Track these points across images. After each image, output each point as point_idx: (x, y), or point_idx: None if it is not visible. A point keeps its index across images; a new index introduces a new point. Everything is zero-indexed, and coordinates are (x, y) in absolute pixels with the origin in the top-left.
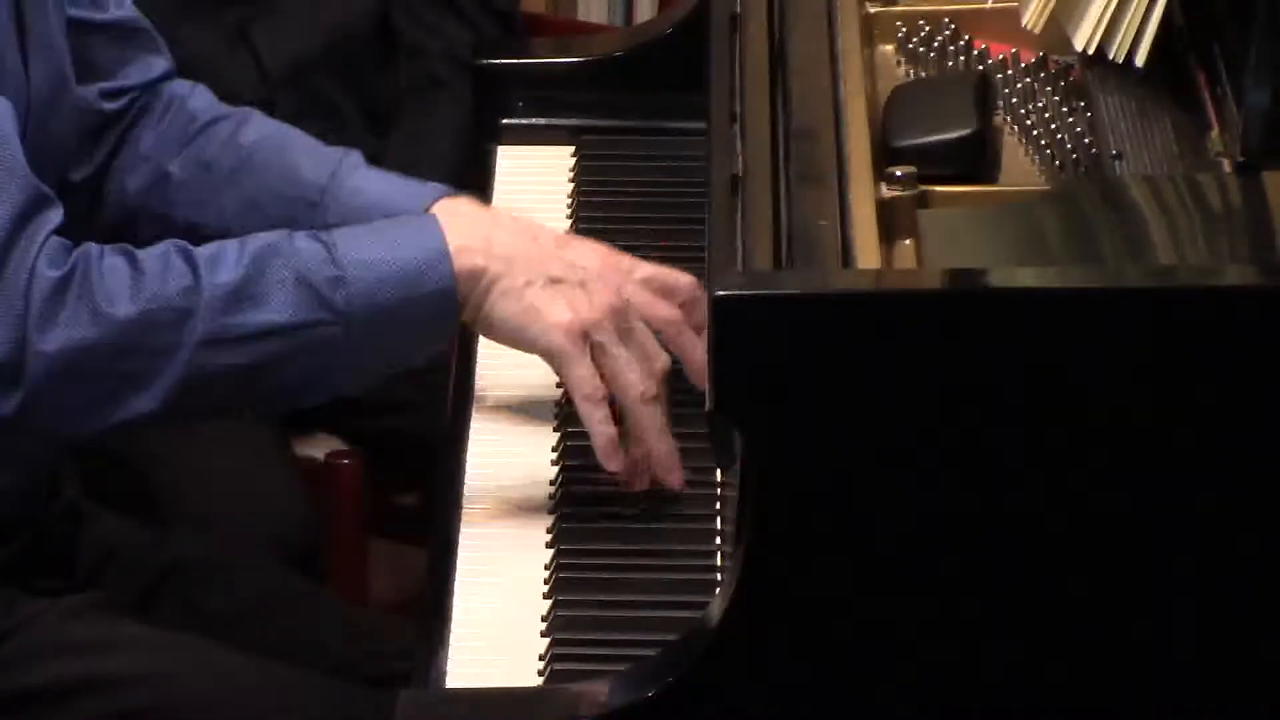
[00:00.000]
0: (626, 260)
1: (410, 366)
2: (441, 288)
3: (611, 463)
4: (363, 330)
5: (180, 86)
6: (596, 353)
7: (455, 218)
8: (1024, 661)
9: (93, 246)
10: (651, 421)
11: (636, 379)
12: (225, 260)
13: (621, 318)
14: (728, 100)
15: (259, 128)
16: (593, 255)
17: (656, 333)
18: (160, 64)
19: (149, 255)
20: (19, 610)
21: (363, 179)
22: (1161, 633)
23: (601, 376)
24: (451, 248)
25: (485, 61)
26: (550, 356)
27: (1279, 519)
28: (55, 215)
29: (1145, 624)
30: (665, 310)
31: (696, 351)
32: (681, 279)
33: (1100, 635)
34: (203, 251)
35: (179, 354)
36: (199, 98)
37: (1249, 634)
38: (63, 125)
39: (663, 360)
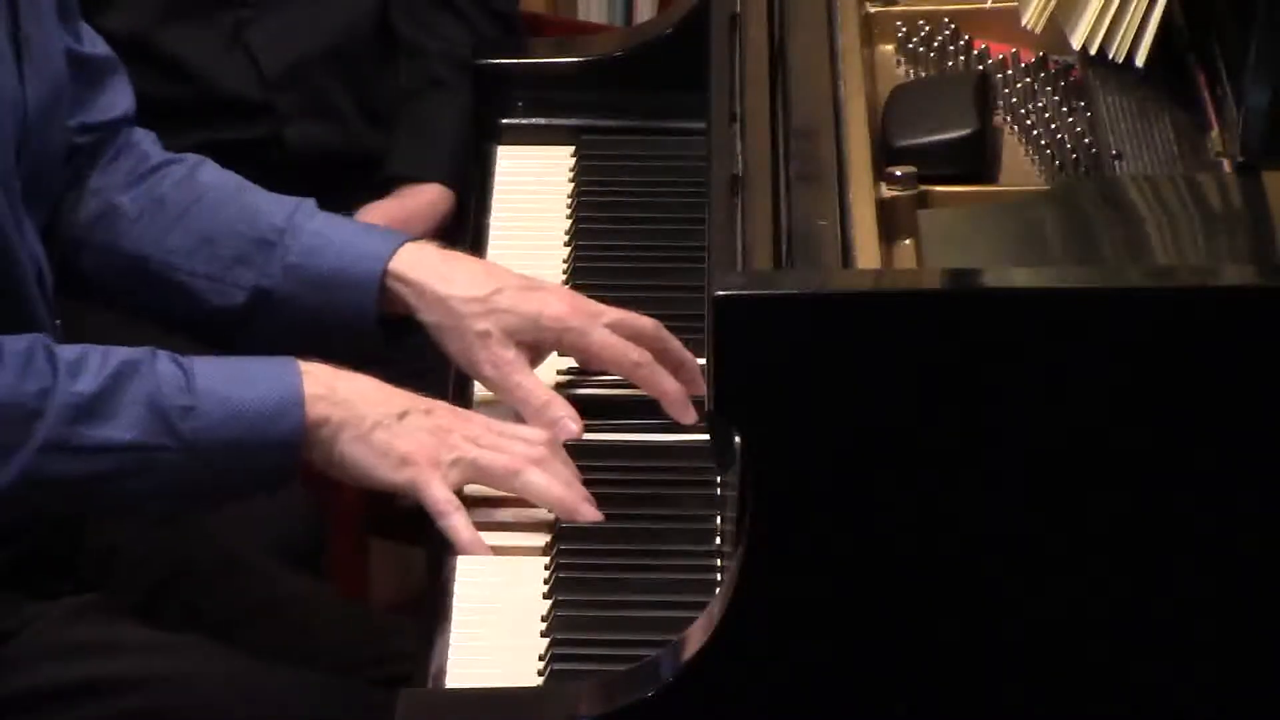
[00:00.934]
0: (594, 305)
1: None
2: (289, 433)
3: (481, 550)
4: (203, 462)
5: (136, 132)
6: (461, 467)
7: (315, 369)
8: (1024, 661)
9: None
10: (653, 380)
11: (502, 462)
12: (87, 368)
13: (466, 433)
14: (728, 100)
15: (214, 172)
16: (559, 302)
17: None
18: (125, 103)
19: (16, 347)
20: (22, 612)
21: (323, 223)
22: (1162, 633)
23: (458, 493)
24: (306, 395)
25: (485, 61)
26: (406, 491)
27: (1279, 519)
28: None
29: (1145, 624)
30: (635, 354)
31: (668, 383)
32: (646, 323)
33: (1100, 635)
34: (66, 355)
35: (19, 454)
36: (150, 142)
37: (1249, 634)
38: (58, 138)
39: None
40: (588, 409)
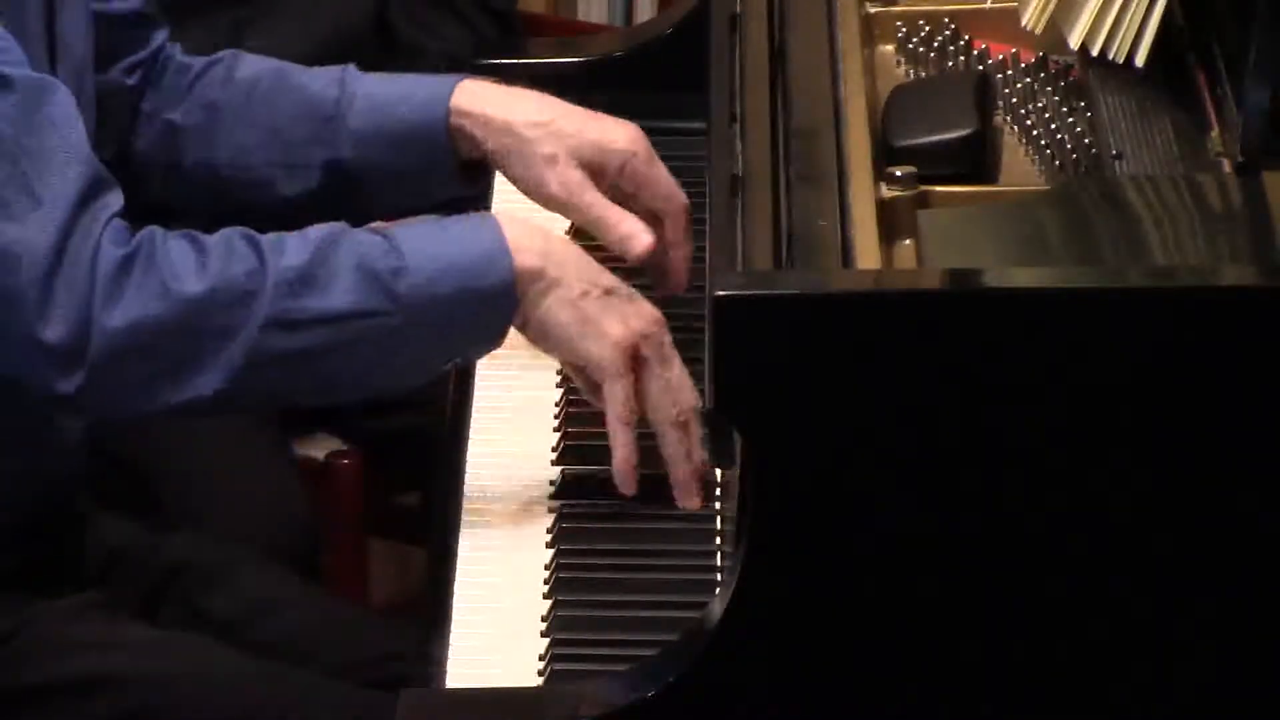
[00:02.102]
0: (648, 142)
1: (463, 365)
2: (501, 283)
3: (627, 486)
4: (421, 322)
5: (168, 47)
6: (639, 368)
7: (513, 222)
8: (1024, 661)
9: (156, 229)
10: (678, 447)
11: (670, 401)
12: (289, 246)
13: (666, 338)
14: (728, 100)
15: (252, 63)
16: (621, 129)
17: None
18: (162, 34)
19: (212, 239)
20: (24, 610)
21: (375, 83)
22: (1162, 633)
23: (637, 395)
24: (511, 245)
25: (485, 61)
26: (598, 369)
27: (1278, 519)
28: (117, 198)
29: (1146, 624)
30: (682, 199)
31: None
32: (679, 197)
33: (1100, 635)
34: (266, 237)
35: (242, 335)
36: (180, 51)
37: (1250, 634)
38: (88, 120)
39: (694, 392)
40: (589, 416)
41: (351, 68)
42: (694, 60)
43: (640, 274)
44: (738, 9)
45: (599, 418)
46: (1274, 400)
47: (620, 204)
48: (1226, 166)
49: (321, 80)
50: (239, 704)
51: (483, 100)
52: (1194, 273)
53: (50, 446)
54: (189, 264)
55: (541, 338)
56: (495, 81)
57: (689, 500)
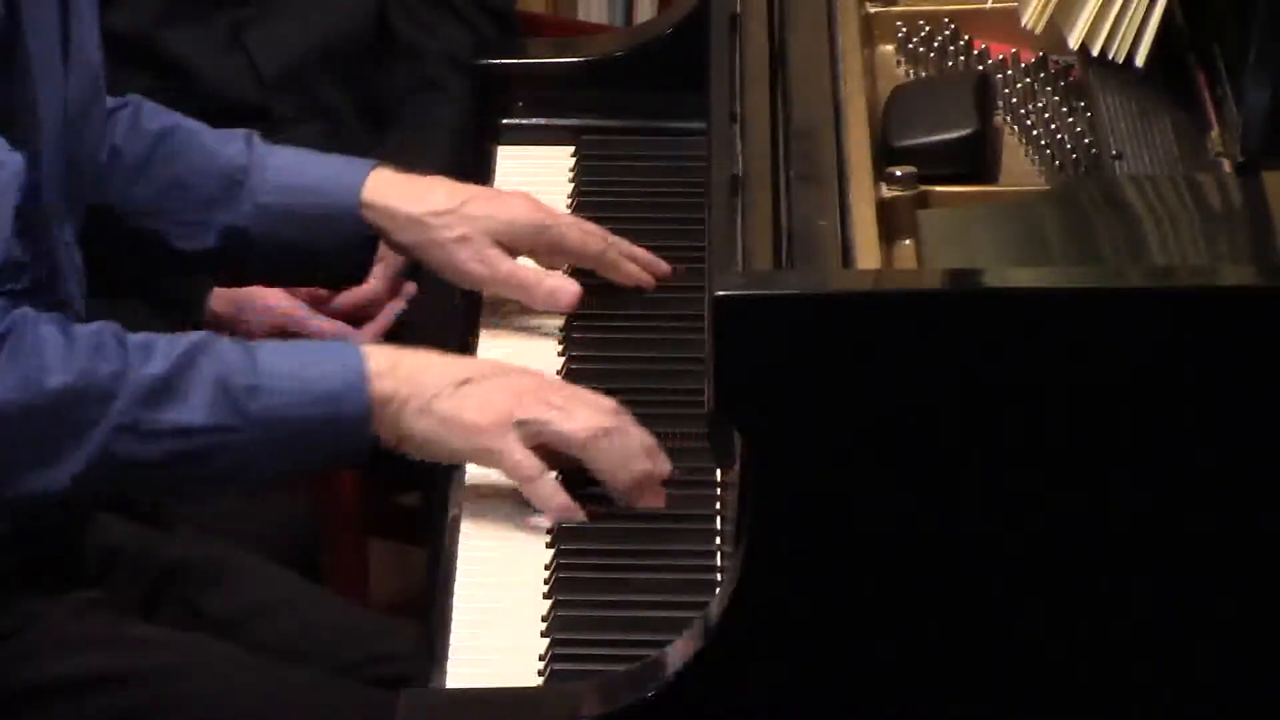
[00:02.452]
0: (551, 208)
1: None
2: (355, 413)
3: (577, 517)
4: (270, 440)
5: None
6: (530, 430)
7: (376, 350)
8: (1024, 661)
9: (29, 311)
10: (608, 458)
11: (576, 425)
12: (157, 351)
13: (538, 393)
14: (728, 100)
15: (158, 115)
16: (525, 203)
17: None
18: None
19: (83, 331)
20: (25, 608)
21: (284, 157)
22: (1163, 633)
23: (544, 448)
24: (370, 373)
25: (485, 61)
26: (477, 458)
27: (1279, 518)
28: (15, 282)
29: (1147, 624)
30: (603, 242)
31: (629, 266)
32: (594, 226)
33: (1100, 636)
34: (135, 339)
35: (95, 435)
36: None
37: (1250, 634)
38: (96, 133)
39: (602, 401)
40: None
41: (254, 135)
42: (694, 60)
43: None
44: (738, 9)
45: None
46: (1274, 400)
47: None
48: (1226, 166)
49: (227, 144)
50: (239, 702)
51: (390, 194)
52: (1194, 273)
53: None
54: (56, 355)
55: (418, 451)
56: (401, 171)
57: (652, 502)
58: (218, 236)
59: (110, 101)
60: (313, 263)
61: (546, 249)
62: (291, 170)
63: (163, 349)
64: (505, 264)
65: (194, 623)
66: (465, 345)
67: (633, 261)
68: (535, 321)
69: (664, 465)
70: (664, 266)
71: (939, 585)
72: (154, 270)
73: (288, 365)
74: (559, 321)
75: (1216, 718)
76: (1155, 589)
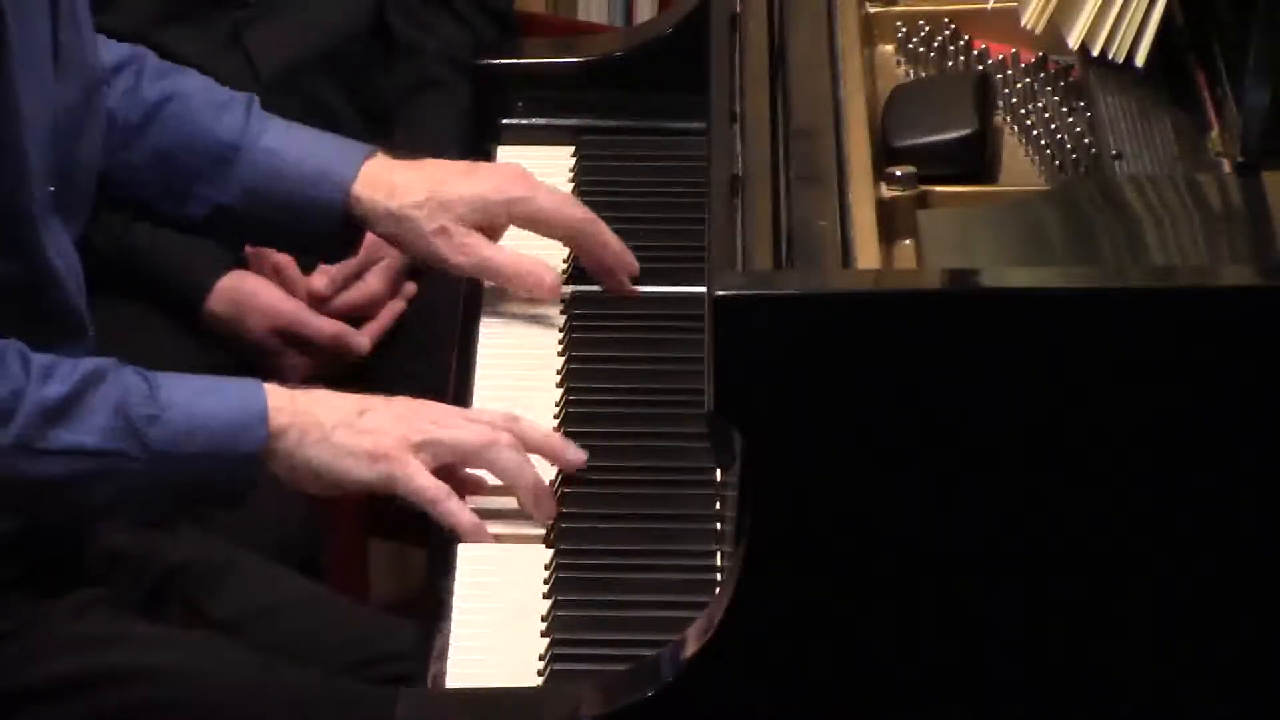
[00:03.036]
0: (531, 177)
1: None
2: (250, 450)
3: (484, 537)
4: (163, 470)
5: None
6: (429, 451)
7: (276, 390)
8: (1023, 661)
9: None
10: (505, 464)
11: (469, 435)
12: (58, 373)
13: (429, 416)
14: (728, 100)
15: (159, 79)
16: (497, 175)
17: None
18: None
19: None
20: (26, 608)
21: (275, 138)
22: (1163, 633)
23: (447, 469)
24: (270, 410)
25: (485, 61)
26: (384, 486)
27: (1278, 518)
28: None
29: (1146, 624)
30: (580, 212)
31: (610, 239)
32: (579, 208)
33: (1100, 635)
34: (39, 359)
35: None
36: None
37: (1250, 634)
38: (91, 145)
39: (490, 413)
40: (589, 415)
41: (255, 109)
42: (694, 60)
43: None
44: (738, 9)
45: (599, 417)
46: (1274, 400)
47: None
48: (1226, 166)
49: (224, 119)
50: (240, 701)
51: (371, 187)
52: (1194, 273)
53: None
54: None
55: (315, 482)
56: (396, 156)
57: (543, 509)
58: (203, 209)
59: (115, 53)
60: (299, 242)
61: (525, 222)
62: (282, 154)
63: (64, 370)
64: (484, 250)
65: (195, 623)
66: (466, 345)
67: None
68: (535, 323)
69: (575, 455)
70: (633, 265)
71: (939, 585)
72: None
73: (187, 397)
74: (560, 321)
75: (1216, 718)
76: (1156, 589)
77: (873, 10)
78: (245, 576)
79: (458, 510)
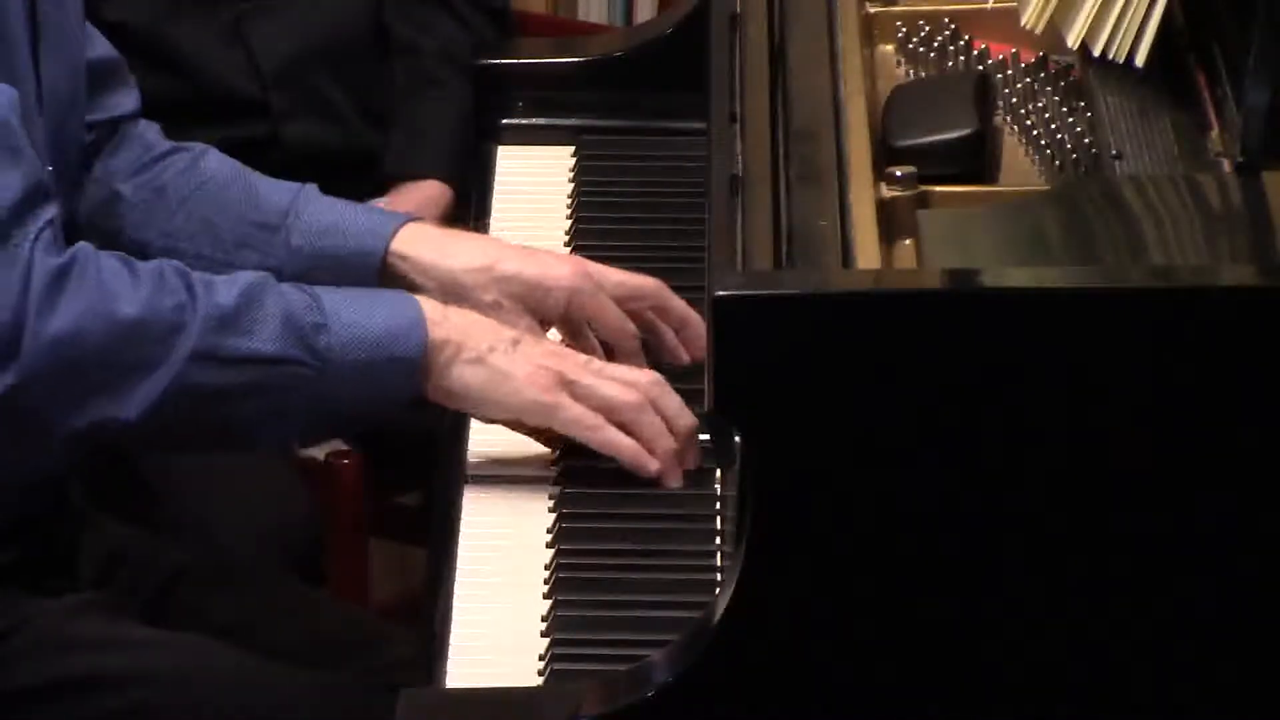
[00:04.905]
0: (595, 266)
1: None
2: (412, 354)
3: (651, 467)
4: (334, 380)
5: (139, 122)
6: (578, 392)
7: (426, 300)
8: (1024, 661)
9: (88, 245)
10: (650, 428)
11: (619, 391)
12: (219, 285)
13: (582, 360)
14: (728, 100)
15: (218, 159)
16: (561, 265)
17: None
18: (130, 101)
19: (144, 266)
20: (24, 608)
21: (326, 206)
22: (1163, 633)
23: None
24: (427, 319)
25: (485, 61)
26: (530, 415)
27: (1278, 518)
28: (54, 207)
29: (1147, 625)
30: (633, 329)
31: (668, 336)
32: (649, 283)
33: (1101, 635)
34: (197, 274)
35: (166, 364)
36: (155, 133)
37: (1250, 633)
38: (76, 126)
39: (641, 373)
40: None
41: (310, 187)
42: (694, 60)
43: None
44: (738, 9)
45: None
46: (1274, 400)
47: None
48: (1226, 166)
49: (276, 191)
50: (239, 704)
51: (422, 245)
52: (1194, 273)
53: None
54: (123, 286)
55: (464, 403)
56: (433, 224)
57: (673, 479)
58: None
59: (173, 145)
60: None
61: (580, 315)
62: (325, 216)
63: (227, 281)
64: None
65: (196, 626)
66: None
67: (683, 325)
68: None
69: (691, 461)
70: (701, 342)
71: (939, 585)
72: None
73: (346, 306)
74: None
75: (1216, 717)
76: (1156, 589)
77: (873, 10)
78: (245, 580)
79: (618, 437)
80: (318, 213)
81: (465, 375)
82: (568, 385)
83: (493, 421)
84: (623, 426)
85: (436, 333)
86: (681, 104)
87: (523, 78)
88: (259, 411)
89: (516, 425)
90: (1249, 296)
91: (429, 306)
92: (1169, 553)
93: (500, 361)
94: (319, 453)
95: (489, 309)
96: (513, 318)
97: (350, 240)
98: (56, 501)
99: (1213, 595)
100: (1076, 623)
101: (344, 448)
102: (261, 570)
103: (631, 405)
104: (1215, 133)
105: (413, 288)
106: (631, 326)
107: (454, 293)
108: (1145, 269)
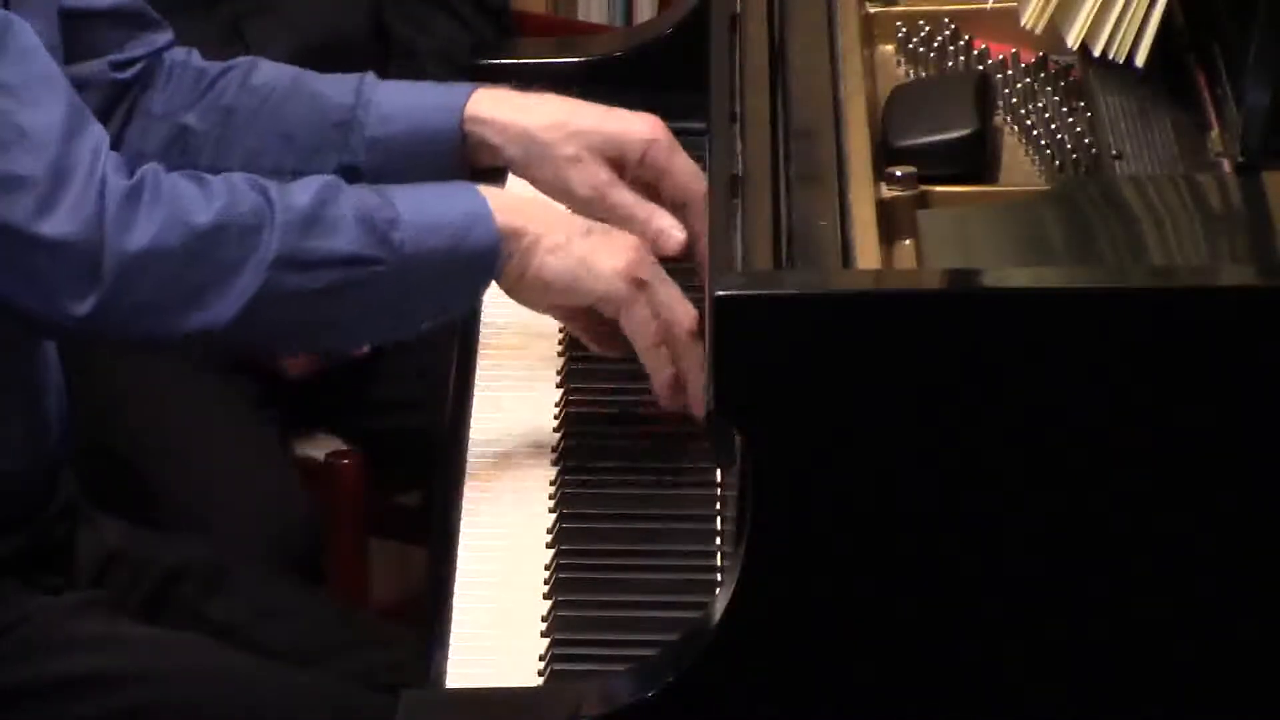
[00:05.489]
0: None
1: (444, 324)
2: (487, 240)
3: (675, 400)
4: (412, 272)
5: (179, 52)
6: (648, 292)
7: (491, 189)
8: (1025, 661)
9: (157, 165)
10: (696, 356)
11: (684, 312)
12: (292, 189)
13: (652, 262)
14: (728, 100)
15: (268, 70)
16: (641, 120)
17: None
18: (164, 36)
19: (214, 178)
20: (21, 605)
21: (391, 90)
22: (1163, 633)
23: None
24: (494, 208)
25: (485, 61)
26: (609, 302)
27: (1278, 519)
28: (100, 128)
29: (1147, 625)
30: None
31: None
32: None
33: (1101, 635)
34: (268, 181)
35: (251, 269)
36: (198, 57)
37: (1249, 634)
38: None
39: (688, 306)
40: (590, 416)
41: (369, 75)
42: (694, 60)
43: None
44: (738, 9)
45: (599, 417)
46: (1274, 400)
47: (645, 193)
48: (1226, 166)
49: (338, 87)
50: (238, 704)
51: (497, 107)
52: (1194, 273)
53: (33, 389)
54: (196, 198)
55: (543, 291)
56: (509, 86)
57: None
58: (331, 172)
59: (221, 64)
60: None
61: (652, 170)
62: (394, 99)
63: (299, 184)
64: (614, 192)
65: (195, 625)
66: (466, 344)
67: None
68: (535, 323)
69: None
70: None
71: (939, 584)
72: None
73: (416, 199)
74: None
75: (1216, 718)
76: (1156, 589)
77: (873, 10)
78: (245, 579)
79: (665, 364)
80: (384, 100)
81: (549, 263)
82: (638, 283)
83: (547, 312)
84: (671, 342)
85: (510, 220)
86: (681, 104)
87: (522, 78)
88: (346, 310)
89: (571, 318)
90: (1249, 296)
91: (503, 196)
92: (1169, 553)
93: (582, 249)
94: (319, 453)
95: (568, 163)
96: (592, 169)
97: (425, 119)
98: (51, 493)
99: (1213, 595)
100: (1077, 623)
101: (344, 448)
102: (261, 570)
103: (686, 331)
104: (1215, 133)
105: (492, 150)
106: (703, 179)
107: (533, 150)
108: (1145, 269)
